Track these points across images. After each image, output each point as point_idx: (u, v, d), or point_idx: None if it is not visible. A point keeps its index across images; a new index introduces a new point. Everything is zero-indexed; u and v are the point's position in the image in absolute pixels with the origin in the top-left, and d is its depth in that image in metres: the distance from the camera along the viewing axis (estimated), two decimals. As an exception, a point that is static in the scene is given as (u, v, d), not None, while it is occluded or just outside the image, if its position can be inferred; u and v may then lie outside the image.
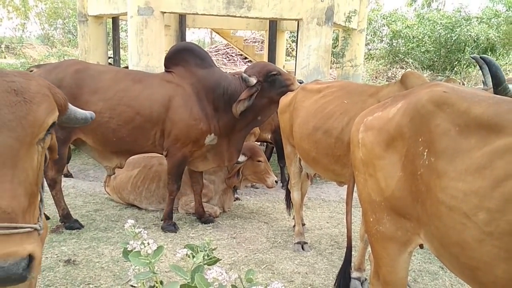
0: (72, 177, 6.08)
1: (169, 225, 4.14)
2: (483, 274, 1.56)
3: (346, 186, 3.64)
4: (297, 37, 6.64)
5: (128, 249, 2.13)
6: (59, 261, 3.39)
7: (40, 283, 3.07)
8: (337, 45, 8.59)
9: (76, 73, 3.90)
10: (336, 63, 7.03)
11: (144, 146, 4.08)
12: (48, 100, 1.31)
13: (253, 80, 4.02)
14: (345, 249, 3.79)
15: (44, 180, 1.53)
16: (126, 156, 4.21)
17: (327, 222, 4.54)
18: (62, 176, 5.82)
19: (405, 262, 1.97)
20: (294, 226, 4.25)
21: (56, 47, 17.21)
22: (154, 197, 4.69)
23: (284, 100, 3.78)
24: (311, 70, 6.38)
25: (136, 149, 4.17)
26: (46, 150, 1.42)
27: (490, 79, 2.31)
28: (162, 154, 4.21)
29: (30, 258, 1.16)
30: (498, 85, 1.96)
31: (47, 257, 3.45)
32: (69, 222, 4.04)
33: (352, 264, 3.24)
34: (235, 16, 6.38)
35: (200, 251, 2.40)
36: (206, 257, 2.37)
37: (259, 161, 4.48)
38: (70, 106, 1.52)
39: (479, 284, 1.63)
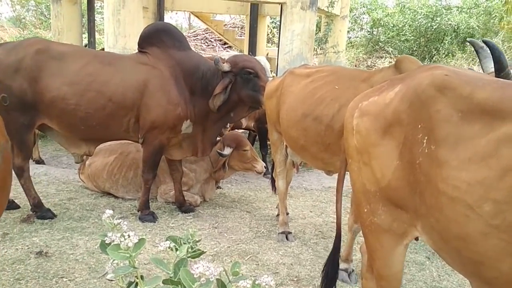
0: (44, 163, 5.82)
1: (146, 215, 3.97)
2: (486, 269, 1.48)
3: (331, 175, 3.56)
4: (280, 21, 6.47)
5: (106, 241, 1.97)
6: (30, 253, 3.20)
7: (9, 277, 2.88)
8: (318, 31, 8.46)
9: (37, 54, 3.59)
10: (318, 49, 6.91)
11: (117, 133, 3.88)
12: None
13: (225, 67, 3.79)
14: (330, 239, 3.73)
15: None
16: (97, 143, 4.00)
17: (311, 211, 4.45)
18: (34, 163, 5.59)
19: (400, 255, 1.87)
20: (277, 215, 4.16)
21: (28, 29, 16.54)
22: (131, 185, 4.50)
23: (270, 85, 3.64)
24: (294, 56, 6.24)
25: (108, 137, 3.97)
26: None
27: (487, 64, 2.23)
28: (136, 141, 4.02)
29: None
30: (501, 70, 1.87)
31: (17, 249, 3.25)
32: (40, 212, 3.82)
33: (339, 255, 3.16)
34: (216, -2, 6.17)
35: (184, 243, 2.25)
36: (190, 250, 2.22)
37: (245, 150, 4.33)
38: None
39: (481, 279, 1.54)
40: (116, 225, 2.13)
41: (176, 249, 2.20)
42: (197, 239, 2.40)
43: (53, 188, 4.76)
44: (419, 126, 1.67)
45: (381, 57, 13.85)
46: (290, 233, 3.71)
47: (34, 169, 5.05)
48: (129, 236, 1.91)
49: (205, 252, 2.33)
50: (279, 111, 3.42)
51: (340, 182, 2.32)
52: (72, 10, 7.49)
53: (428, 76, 1.72)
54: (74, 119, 3.65)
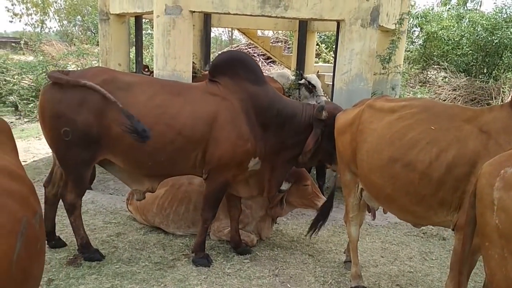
0: (91, 189, 5.60)
1: (201, 258, 3.60)
2: None
3: (419, 228, 3.06)
4: (337, 40, 6.03)
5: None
6: (77, 306, 2.89)
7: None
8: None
9: (103, 85, 3.31)
10: (381, 69, 6.39)
11: (184, 168, 3.57)
12: None
13: (324, 114, 3.56)
14: (412, 297, 3.22)
15: None
16: (160, 179, 3.67)
17: (382, 256, 3.94)
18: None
19: None
20: (345, 261, 3.71)
21: (75, 45, 16.89)
22: (182, 220, 4.15)
23: (343, 118, 3.20)
24: (353, 77, 5.78)
25: (174, 172, 3.67)
26: None
27: None
28: (201, 176, 3.69)
29: None
30: None
31: (63, 300, 2.95)
32: (88, 253, 3.53)
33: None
34: (270, 16, 5.80)
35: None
36: None
37: (305, 185, 3.89)
38: None
39: None
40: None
41: None
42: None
43: (100, 220, 4.50)
44: None
45: (436, 71, 13.12)
46: (365, 287, 3.23)
47: (80, 196, 4.83)
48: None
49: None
50: (356, 150, 2.97)
51: (459, 263, 1.84)
52: (120, 29, 7.35)
53: None
54: (141, 155, 3.35)
